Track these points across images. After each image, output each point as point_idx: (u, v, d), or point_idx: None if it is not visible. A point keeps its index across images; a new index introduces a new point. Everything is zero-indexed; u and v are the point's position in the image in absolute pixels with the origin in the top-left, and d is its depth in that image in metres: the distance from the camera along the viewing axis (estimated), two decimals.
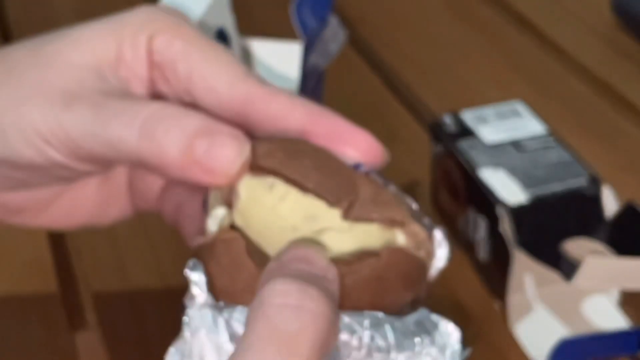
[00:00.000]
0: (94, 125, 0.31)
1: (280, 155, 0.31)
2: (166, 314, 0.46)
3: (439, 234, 0.32)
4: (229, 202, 0.31)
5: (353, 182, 0.31)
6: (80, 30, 0.34)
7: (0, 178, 0.34)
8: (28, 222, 0.37)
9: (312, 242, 0.29)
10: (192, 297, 0.30)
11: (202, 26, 0.45)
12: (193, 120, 0.30)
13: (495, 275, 0.47)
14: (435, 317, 0.30)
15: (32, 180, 0.34)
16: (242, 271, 0.29)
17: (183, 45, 0.33)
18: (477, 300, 0.48)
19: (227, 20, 0.48)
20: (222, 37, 0.47)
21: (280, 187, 0.31)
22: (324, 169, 0.31)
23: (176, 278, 0.49)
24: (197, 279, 0.30)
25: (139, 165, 0.32)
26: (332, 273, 0.28)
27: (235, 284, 0.30)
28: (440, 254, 0.32)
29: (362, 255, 0.30)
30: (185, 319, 0.30)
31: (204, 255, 0.31)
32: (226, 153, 0.30)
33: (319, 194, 0.31)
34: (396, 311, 0.30)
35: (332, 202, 0.30)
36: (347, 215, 0.30)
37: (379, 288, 0.29)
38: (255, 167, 0.31)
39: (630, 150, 0.60)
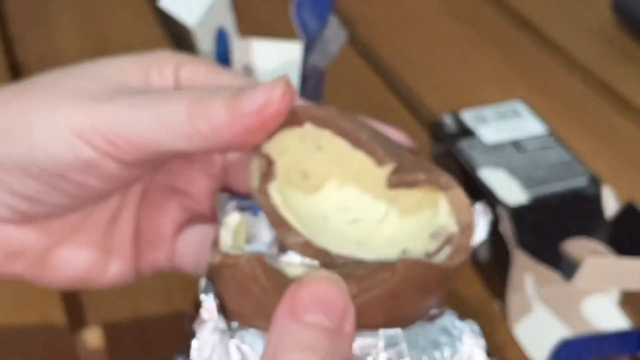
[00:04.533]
0: (143, 109, 0.31)
1: (333, 110, 0.31)
2: (166, 314, 0.46)
3: (479, 206, 0.32)
4: (265, 176, 0.31)
5: (397, 148, 0.31)
6: (107, 59, 0.35)
7: (11, 198, 0.33)
8: (24, 271, 0.36)
9: (329, 275, 0.28)
10: (203, 322, 0.30)
11: (202, 26, 0.45)
12: (235, 85, 0.32)
13: (495, 275, 0.47)
14: (460, 324, 0.30)
15: (45, 196, 0.33)
16: (248, 297, 0.29)
17: (208, 72, 0.35)
18: (477, 300, 0.48)
19: (227, 20, 0.48)
20: (222, 37, 0.47)
21: (314, 178, 0.31)
22: (372, 131, 0.32)
23: (177, 278, 0.50)
24: (207, 303, 0.30)
25: (187, 144, 0.31)
26: (349, 322, 0.27)
27: (244, 307, 0.29)
28: (482, 224, 0.32)
29: (376, 269, 0.29)
30: (194, 343, 0.30)
31: (213, 275, 0.31)
32: (269, 87, 0.30)
33: (371, 148, 0.30)
34: (417, 319, 0.30)
35: (382, 157, 0.30)
36: (396, 174, 0.30)
37: (395, 304, 0.28)
38: (309, 116, 0.31)
39: (630, 150, 0.60)
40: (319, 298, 0.27)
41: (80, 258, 0.37)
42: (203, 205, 0.39)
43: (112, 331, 0.46)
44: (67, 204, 0.34)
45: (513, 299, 0.46)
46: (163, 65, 0.35)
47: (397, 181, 0.31)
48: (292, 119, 0.31)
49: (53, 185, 0.33)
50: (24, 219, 0.34)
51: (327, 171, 0.32)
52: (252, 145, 0.32)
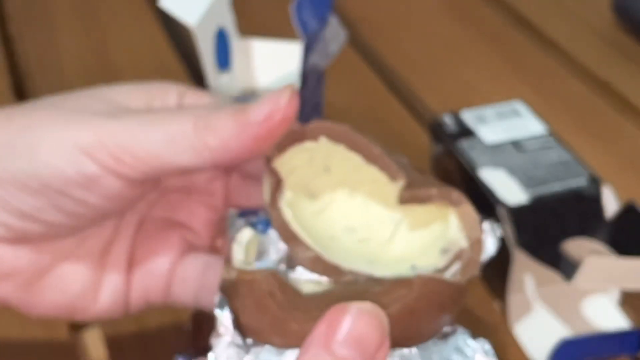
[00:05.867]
0: (150, 125, 0.32)
1: (347, 126, 0.32)
2: (166, 314, 0.46)
3: (486, 225, 0.32)
4: (276, 191, 0.31)
5: (405, 167, 0.32)
6: (111, 86, 0.35)
7: (6, 215, 0.33)
8: (11, 294, 0.35)
9: (371, 307, 0.27)
10: (219, 336, 0.30)
11: (202, 26, 0.45)
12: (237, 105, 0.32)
13: (495, 275, 0.47)
14: (473, 343, 0.30)
15: (42, 214, 0.33)
16: (265, 313, 0.29)
17: (211, 99, 0.35)
18: (477, 300, 0.48)
19: (227, 20, 0.48)
20: (222, 37, 0.47)
21: (321, 200, 0.31)
22: (383, 148, 0.32)
23: None
24: (223, 317, 0.30)
25: (194, 158, 0.32)
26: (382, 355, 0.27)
27: (260, 324, 0.29)
28: (490, 241, 0.32)
29: (393, 286, 0.29)
30: (211, 355, 0.30)
31: (228, 290, 0.31)
32: (275, 95, 0.31)
33: (384, 162, 0.31)
34: (432, 336, 0.30)
35: (395, 172, 0.31)
36: (408, 190, 0.31)
37: (411, 321, 0.29)
38: (324, 130, 0.32)
39: (630, 150, 0.60)
40: (357, 333, 0.26)
41: (70, 285, 0.36)
42: (202, 237, 0.38)
43: (112, 332, 0.46)
44: (63, 223, 0.33)
45: (513, 299, 0.46)
46: (166, 93, 0.35)
47: (409, 196, 0.31)
48: (306, 134, 0.31)
49: (51, 202, 0.32)
50: (17, 238, 0.34)
51: (334, 193, 0.32)
52: (259, 156, 0.32)
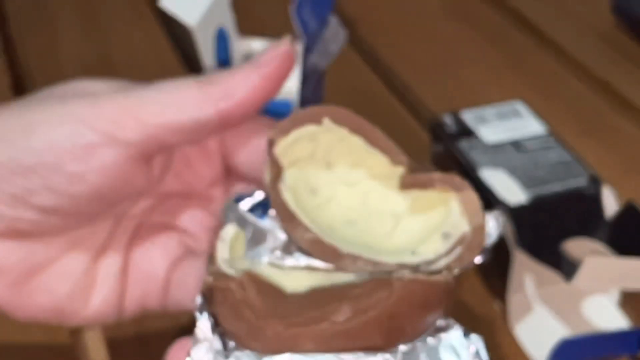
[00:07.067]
0: (151, 90, 0.32)
1: (350, 110, 0.32)
2: (166, 316, 0.46)
3: (490, 213, 0.32)
4: (277, 175, 0.31)
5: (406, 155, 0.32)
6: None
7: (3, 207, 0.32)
8: (1, 294, 0.34)
9: None
10: (197, 342, 0.30)
11: (202, 26, 0.45)
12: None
13: (495, 275, 0.47)
14: (465, 341, 0.29)
15: (33, 196, 0.32)
16: (241, 320, 0.29)
17: None
18: (477, 300, 0.48)
19: (227, 20, 0.48)
20: (222, 37, 0.47)
21: (321, 195, 0.31)
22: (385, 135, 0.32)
23: None
24: (201, 322, 0.30)
25: (198, 112, 0.32)
26: None
27: (238, 329, 0.29)
28: (492, 226, 0.32)
29: (373, 288, 0.28)
30: None
31: (207, 294, 0.30)
32: (273, 45, 0.32)
33: (386, 146, 0.31)
34: (420, 335, 0.29)
35: (398, 156, 0.31)
36: (410, 174, 0.30)
37: (393, 324, 0.28)
38: (328, 113, 0.32)
39: (630, 150, 0.60)
40: None
41: (60, 286, 0.35)
42: (202, 243, 0.38)
43: (113, 334, 0.46)
44: (56, 207, 0.32)
45: (513, 299, 0.46)
46: None
47: (411, 181, 0.31)
48: (310, 117, 0.31)
49: (44, 182, 0.31)
50: (7, 229, 0.33)
51: (334, 190, 0.32)
52: (264, 101, 0.32)
